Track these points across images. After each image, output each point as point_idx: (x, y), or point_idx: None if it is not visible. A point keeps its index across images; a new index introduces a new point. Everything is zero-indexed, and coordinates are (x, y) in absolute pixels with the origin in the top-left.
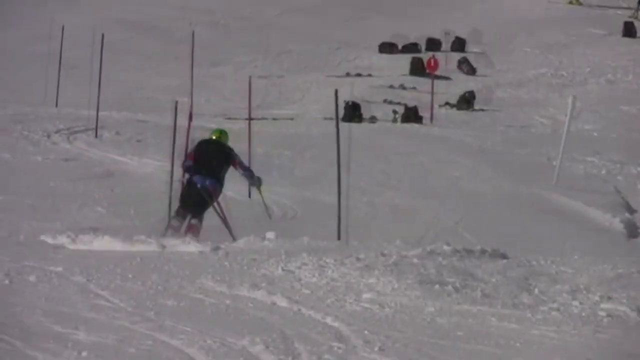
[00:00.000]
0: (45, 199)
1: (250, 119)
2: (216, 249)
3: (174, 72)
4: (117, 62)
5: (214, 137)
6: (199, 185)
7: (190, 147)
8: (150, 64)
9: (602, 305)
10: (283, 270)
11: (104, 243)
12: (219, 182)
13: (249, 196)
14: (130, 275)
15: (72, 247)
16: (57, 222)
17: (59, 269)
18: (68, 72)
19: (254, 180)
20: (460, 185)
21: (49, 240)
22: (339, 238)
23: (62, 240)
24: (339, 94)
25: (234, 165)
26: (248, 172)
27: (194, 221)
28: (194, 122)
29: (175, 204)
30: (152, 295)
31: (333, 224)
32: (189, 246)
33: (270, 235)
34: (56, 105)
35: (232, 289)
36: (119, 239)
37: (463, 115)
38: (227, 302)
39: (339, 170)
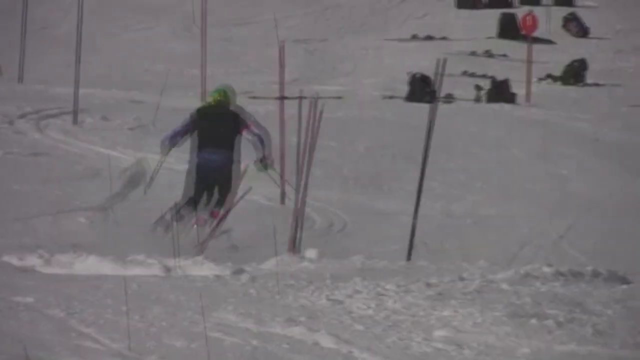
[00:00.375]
0: (8, 206)
1: (283, 97)
2: (239, 272)
3: (180, 35)
4: (103, 22)
5: (214, 101)
6: (211, 164)
7: (187, 121)
8: (148, 23)
9: None
10: (328, 299)
11: (89, 265)
12: (232, 156)
13: (282, 201)
14: (124, 308)
15: (45, 270)
16: (24, 237)
17: (29, 299)
18: (36, 35)
19: (265, 152)
20: (566, 187)
21: (14, 261)
22: (409, 259)
23: (33, 261)
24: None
25: (246, 130)
26: (256, 138)
27: (203, 213)
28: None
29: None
30: (155, 334)
31: (394, 238)
32: (202, 268)
33: (311, 253)
34: (20, 80)
35: (261, 325)
36: (109, 260)
37: (571, 91)
38: (254, 342)
39: (424, 168)
